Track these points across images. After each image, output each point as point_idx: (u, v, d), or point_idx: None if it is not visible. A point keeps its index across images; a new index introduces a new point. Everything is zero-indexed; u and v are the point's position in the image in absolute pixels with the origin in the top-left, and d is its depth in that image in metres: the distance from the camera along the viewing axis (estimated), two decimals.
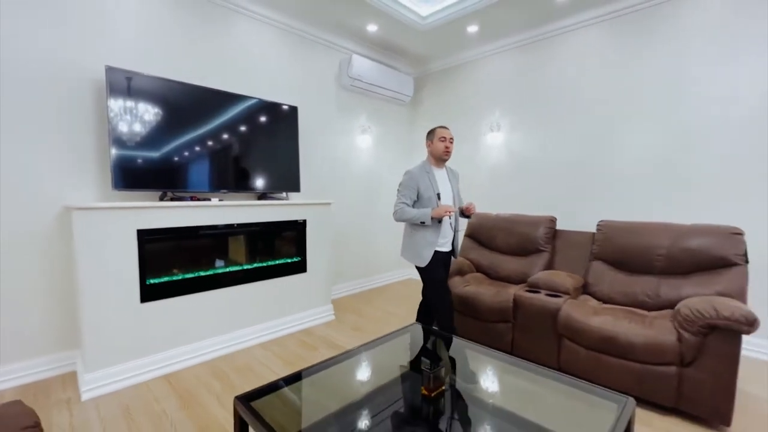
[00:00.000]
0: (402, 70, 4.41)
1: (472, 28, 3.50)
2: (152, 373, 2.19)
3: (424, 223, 2.08)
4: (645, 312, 2.14)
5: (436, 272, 2.18)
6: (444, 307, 2.18)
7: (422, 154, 4.57)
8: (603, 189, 3.10)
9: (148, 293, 2.20)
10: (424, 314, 2.42)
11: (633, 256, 2.37)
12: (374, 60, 4.00)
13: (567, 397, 1.45)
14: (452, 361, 1.70)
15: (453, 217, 2.23)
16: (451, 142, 2.23)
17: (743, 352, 2.50)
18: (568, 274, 2.48)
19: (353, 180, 4.02)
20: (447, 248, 2.24)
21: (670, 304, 2.11)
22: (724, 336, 1.66)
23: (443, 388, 1.41)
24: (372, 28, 3.51)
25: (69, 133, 2.21)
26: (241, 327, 2.64)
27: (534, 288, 2.42)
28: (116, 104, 2.20)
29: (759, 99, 2.42)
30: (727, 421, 1.68)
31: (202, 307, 2.45)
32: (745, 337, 2.48)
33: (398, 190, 2.23)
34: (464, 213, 2.26)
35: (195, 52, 2.72)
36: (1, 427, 0.79)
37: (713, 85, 2.58)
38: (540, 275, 2.46)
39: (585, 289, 2.50)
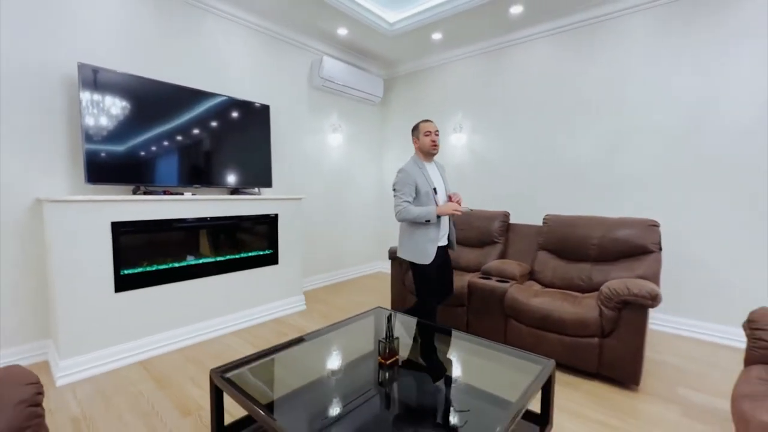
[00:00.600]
0: (372, 72, 4.60)
1: (437, 36, 3.74)
2: (127, 359, 2.28)
3: (428, 221, 2.06)
4: (578, 294, 2.45)
5: (433, 269, 2.16)
6: (433, 306, 2.21)
7: (393, 152, 4.81)
8: (551, 186, 3.44)
9: (123, 283, 2.30)
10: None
11: (571, 245, 2.69)
12: (345, 61, 4.17)
13: (503, 363, 1.71)
14: (415, 339, 1.93)
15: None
16: (437, 135, 2.19)
17: (655, 327, 2.90)
18: (517, 263, 2.77)
19: (325, 177, 4.18)
20: (445, 242, 2.24)
21: (600, 287, 2.44)
22: (634, 310, 1.97)
23: (397, 357, 1.63)
24: (342, 31, 3.67)
25: (41, 129, 2.26)
26: (215, 316, 2.76)
27: (486, 275, 2.69)
28: (88, 100, 2.26)
29: (678, 107, 2.79)
30: (637, 381, 2.00)
31: (177, 297, 2.55)
32: (655, 314, 2.89)
33: (395, 189, 2.16)
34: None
35: (167, 50, 2.79)
36: (9, 382, 0.93)
37: (642, 94, 2.94)
38: (492, 264, 2.74)
39: (531, 275, 2.80)
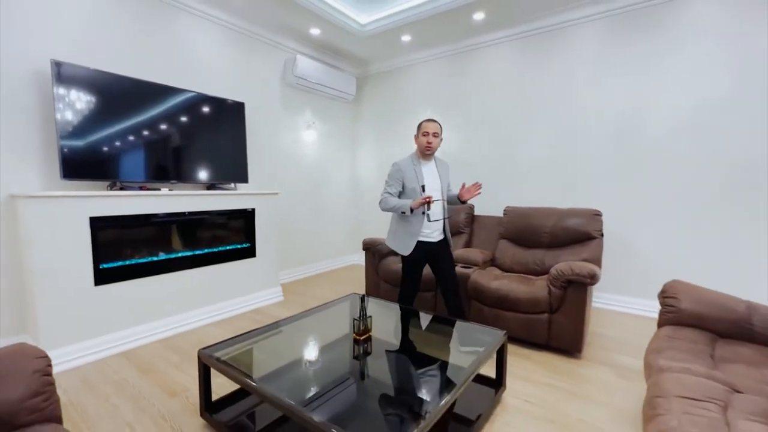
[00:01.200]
0: (345, 70, 4.73)
1: (406, 38, 3.93)
2: (109, 351, 2.35)
3: (404, 213, 2.17)
4: (533, 277, 2.74)
5: (415, 262, 2.28)
6: (409, 294, 2.35)
7: (366, 148, 4.98)
8: (511, 180, 3.73)
9: (102, 277, 2.35)
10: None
11: (528, 234, 2.98)
12: (318, 60, 4.28)
13: (463, 336, 1.94)
14: (388, 319, 2.13)
15: (440, 206, 2.27)
16: (435, 136, 2.21)
17: (601, 305, 3.25)
18: (480, 251, 3.02)
19: (300, 172, 4.29)
20: (436, 237, 2.30)
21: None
22: (577, 288, 2.26)
23: (369, 334, 1.82)
24: (315, 31, 3.79)
25: (13, 126, 2.26)
26: (195, 308, 2.85)
27: None
28: (62, 96, 2.28)
29: (620, 109, 3.13)
30: (580, 350, 2.30)
31: (157, 290, 2.62)
32: (601, 294, 3.23)
33: (385, 181, 2.28)
34: (460, 199, 2.28)
35: (142, 48, 2.82)
36: (22, 355, 1.04)
37: (590, 97, 3.26)
38: (457, 252, 2.97)
39: (493, 261, 3.07)
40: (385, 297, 3.03)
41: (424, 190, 2.19)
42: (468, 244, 3.31)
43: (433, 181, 2.26)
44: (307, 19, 3.53)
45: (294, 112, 4.17)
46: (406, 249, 2.25)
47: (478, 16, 3.41)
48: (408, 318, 2.17)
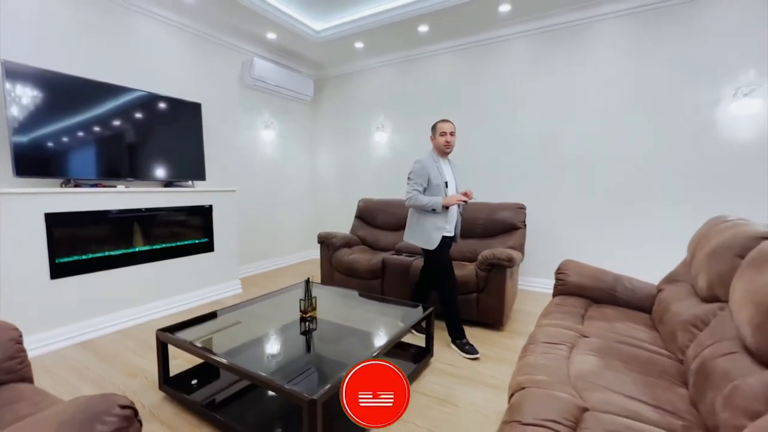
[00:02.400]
0: (303, 73, 4.92)
1: (359, 45, 4.20)
2: (68, 341, 2.45)
3: (434, 210, 2.28)
4: (468, 263, 3.10)
5: (443, 254, 2.37)
6: (448, 286, 2.40)
7: (325, 147, 5.19)
8: None
9: (59, 271, 2.44)
10: (417, 293, 2.62)
11: (464, 226, 3.32)
12: (276, 62, 4.45)
13: (398, 313, 2.25)
14: (334, 301, 2.39)
15: (460, 205, 2.42)
16: (453, 135, 2.36)
17: (528, 287, 3.69)
18: None
19: (259, 170, 4.44)
20: (452, 233, 2.44)
21: None
22: (498, 270, 2.64)
23: (314, 312, 2.08)
24: (271, 35, 3.97)
25: None
26: (154, 300, 2.97)
27: (398, 252, 3.25)
28: (13, 97, 2.35)
29: (546, 116, 3.57)
30: (502, 323, 2.68)
31: (116, 283, 2.73)
32: (527, 278, 3.66)
33: (409, 177, 2.36)
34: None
35: (99, 50, 2.89)
36: None
37: (521, 103, 3.68)
38: (402, 243, 3.30)
39: None
40: (338, 285, 3.29)
41: (447, 187, 2.33)
42: None
43: (450, 179, 2.40)
44: (263, 24, 3.70)
45: (252, 112, 4.32)
46: (433, 243, 2.33)
47: (423, 28, 3.74)
48: (354, 299, 2.45)
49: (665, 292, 1.81)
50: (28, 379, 1.19)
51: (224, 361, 1.53)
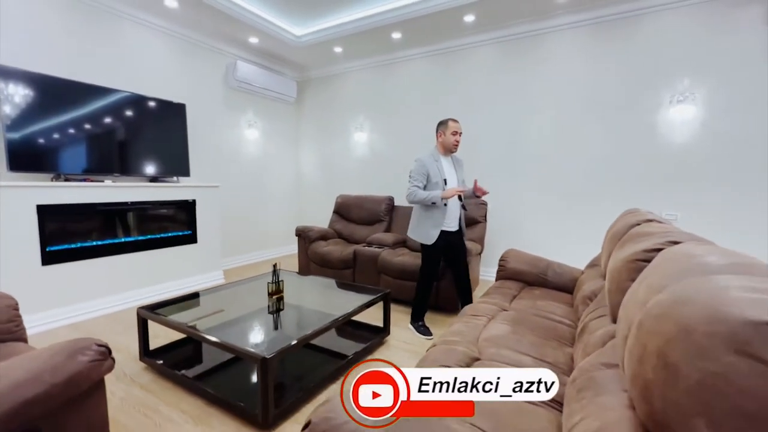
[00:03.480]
0: (286, 75, 5.15)
1: (338, 49, 4.43)
2: (58, 323, 2.66)
3: (434, 204, 2.38)
4: None
5: (436, 249, 2.49)
6: (425, 275, 2.56)
7: (309, 146, 5.42)
8: None
9: (50, 258, 2.65)
10: (422, 291, 2.67)
11: None
12: (259, 65, 4.67)
13: (359, 296, 2.50)
14: (302, 287, 2.64)
15: (462, 198, 2.50)
16: (461, 136, 2.50)
17: (487, 277, 3.94)
18: (394, 235, 3.61)
19: (243, 167, 4.66)
20: (455, 227, 2.52)
21: None
22: None
23: (281, 294, 2.32)
24: (253, 40, 4.19)
25: None
26: (140, 287, 3.19)
27: (369, 244, 3.50)
28: (6, 96, 2.55)
29: (506, 120, 3.84)
30: (456, 308, 2.94)
31: (103, 270, 2.95)
32: (487, 268, 3.87)
33: (410, 175, 2.48)
34: (475, 194, 2.44)
35: (86, 53, 3.09)
36: None
37: (484, 106, 3.95)
38: (373, 236, 3.55)
39: (404, 243, 3.67)
40: (313, 274, 3.52)
41: (446, 184, 2.42)
42: (388, 230, 3.90)
43: (451, 176, 2.50)
44: (245, 30, 3.92)
45: (236, 112, 4.54)
46: (430, 239, 2.44)
47: (396, 35, 3.98)
48: (322, 284, 2.70)
49: (585, 275, 2.07)
50: (24, 339, 1.42)
51: (193, 330, 1.77)
